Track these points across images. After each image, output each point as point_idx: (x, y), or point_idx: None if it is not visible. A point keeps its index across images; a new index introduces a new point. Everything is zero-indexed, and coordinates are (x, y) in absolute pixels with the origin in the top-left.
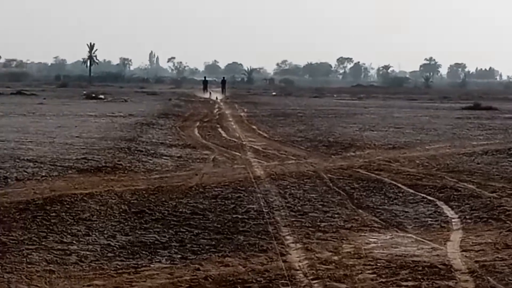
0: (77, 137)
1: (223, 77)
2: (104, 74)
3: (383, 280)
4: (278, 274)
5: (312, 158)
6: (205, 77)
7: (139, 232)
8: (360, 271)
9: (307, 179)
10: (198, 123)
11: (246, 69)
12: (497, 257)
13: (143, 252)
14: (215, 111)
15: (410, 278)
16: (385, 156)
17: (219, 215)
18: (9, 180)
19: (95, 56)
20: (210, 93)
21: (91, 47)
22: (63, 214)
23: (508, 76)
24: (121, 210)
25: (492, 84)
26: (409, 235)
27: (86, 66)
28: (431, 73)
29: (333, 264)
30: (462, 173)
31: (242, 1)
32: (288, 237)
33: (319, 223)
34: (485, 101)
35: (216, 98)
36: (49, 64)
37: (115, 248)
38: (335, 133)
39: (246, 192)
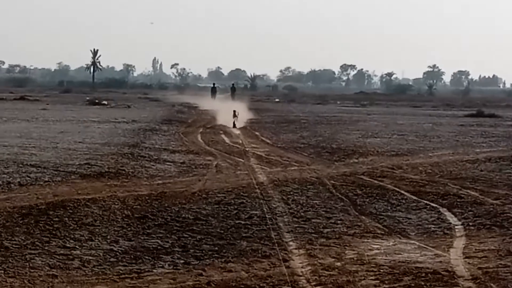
0: (80, 142)
1: (233, 84)
2: (108, 80)
3: (386, 286)
4: (281, 280)
5: (315, 165)
6: (214, 84)
7: (142, 238)
8: (363, 277)
9: (310, 186)
10: (201, 129)
11: (250, 75)
12: (500, 263)
13: (146, 257)
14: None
15: (413, 285)
16: (388, 163)
17: (222, 221)
18: (12, 185)
19: (99, 62)
20: (236, 116)
21: (95, 53)
22: (66, 219)
23: (511, 84)
24: (124, 215)
25: (495, 92)
26: (412, 241)
27: (90, 72)
28: (435, 81)
29: (336, 270)
30: (465, 180)
31: (246, 8)
32: (291, 243)
33: (322, 229)
34: (488, 108)
35: (234, 126)
36: (53, 70)
37: (117, 253)
38: (338, 139)
39: (249, 198)
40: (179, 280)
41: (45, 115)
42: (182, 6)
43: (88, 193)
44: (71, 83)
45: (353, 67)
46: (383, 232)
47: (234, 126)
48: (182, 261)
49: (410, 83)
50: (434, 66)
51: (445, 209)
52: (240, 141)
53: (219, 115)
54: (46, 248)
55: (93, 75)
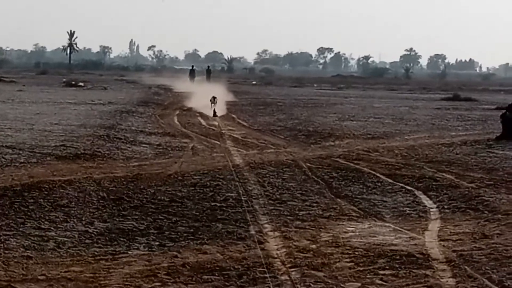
0: (56, 124)
1: (208, 66)
2: (84, 62)
3: (361, 268)
4: (256, 262)
5: (291, 147)
6: (192, 66)
7: (117, 219)
8: (338, 260)
9: (286, 168)
10: (177, 112)
11: (227, 58)
12: (475, 246)
13: (121, 239)
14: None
15: (387, 267)
16: (364, 146)
17: (198, 203)
18: None
19: (75, 43)
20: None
21: (71, 34)
22: (41, 200)
23: (487, 68)
24: (99, 197)
25: (471, 76)
26: (387, 224)
27: (66, 53)
28: (411, 64)
29: (311, 252)
30: (441, 163)
31: None
32: (266, 225)
33: (297, 212)
34: (465, 92)
35: (215, 115)
36: (29, 51)
37: (93, 235)
38: (315, 122)
39: (225, 180)
40: (154, 262)
41: (21, 96)
42: None
43: (64, 175)
44: (48, 64)
45: (330, 50)
46: (358, 215)
47: (215, 114)
48: (157, 243)
49: (387, 66)
50: (411, 49)
51: (420, 192)
52: (217, 124)
53: (196, 98)
54: (21, 229)
55: (70, 57)
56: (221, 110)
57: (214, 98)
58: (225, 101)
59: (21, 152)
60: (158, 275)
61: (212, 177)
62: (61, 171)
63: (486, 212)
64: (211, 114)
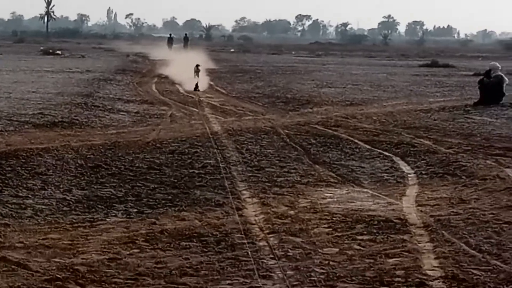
0: (33, 92)
1: (185, 34)
2: (62, 30)
3: (339, 234)
4: (234, 228)
5: (269, 114)
6: (170, 34)
7: (95, 187)
8: (315, 225)
9: (264, 135)
10: (155, 79)
11: (205, 26)
12: (452, 211)
13: (99, 206)
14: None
15: (365, 232)
16: (343, 113)
17: (176, 170)
18: None
19: (53, 12)
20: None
21: (48, 2)
22: (19, 168)
23: (465, 34)
24: (77, 164)
25: (449, 42)
26: (365, 190)
27: (44, 22)
28: (390, 31)
29: (289, 218)
30: (419, 130)
31: None
32: (244, 192)
33: (275, 178)
34: (443, 58)
35: (197, 89)
36: (6, 20)
37: (71, 202)
38: (293, 89)
39: (203, 148)
40: (132, 229)
41: None
42: None
43: (41, 143)
44: (25, 33)
45: (308, 17)
46: (336, 181)
47: (197, 88)
48: (135, 210)
49: (365, 33)
50: (389, 16)
51: (398, 158)
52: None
53: (174, 66)
54: None
55: (47, 25)
56: (204, 82)
57: (197, 66)
58: (204, 69)
59: None
60: (136, 241)
61: (190, 144)
62: (38, 139)
63: (463, 177)
64: (192, 87)
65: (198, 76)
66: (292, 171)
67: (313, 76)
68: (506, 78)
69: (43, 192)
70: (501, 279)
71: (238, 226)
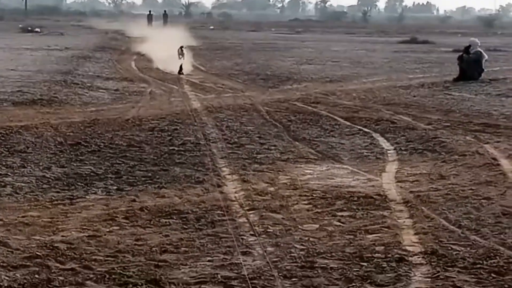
0: (12, 70)
1: (165, 11)
2: (41, 8)
3: (319, 210)
4: (214, 205)
5: (249, 91)
6: (150, 11)
7: (74, 164)
8: (296, 202)
9: (244, 112)
10: (135, 57)
11: (184, 3)
12: (432, 187)
13: (79, 183)
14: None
15: (345, 209)
16: (322, 89)
17: (156, 147)
18: None
19: None
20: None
21: None
22: None
23: (445, 11)
24: (56, 142)
25: (429, 19)
26: (345, 166)
27: None
28: (369, 8)
29: (269, 195)
30: (398, 106)
31: None
32: (224, 169)
33: (255, 155)
34: (422, 35)
35: (181, 72)
36: None
37: (50, 180)
38: (273, 66)
39: (183, 125)
40: (112, 206)
41: None
42: None
43: (20, 120)
44: (3, 10)
45: None
46: (316, 157)
47: (181, 71)
48: (115, 187)
49: (345, 10)
50: None
51: (378, 134)
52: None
53: (153, 43)
54: None
55: (26, 2)
56: (188, 64)
57: (181, 48)
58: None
59: None
60: (116, 219)
61: (170, 122)
62: (17, 116)
63: (443, 153)
64: (174, 68)
65: (183, 58)
66: (272, 148)
67: (292, 53)
68: (485, 54)
69: (22, 169)
70: (480, 254)
71: (218, 203)
